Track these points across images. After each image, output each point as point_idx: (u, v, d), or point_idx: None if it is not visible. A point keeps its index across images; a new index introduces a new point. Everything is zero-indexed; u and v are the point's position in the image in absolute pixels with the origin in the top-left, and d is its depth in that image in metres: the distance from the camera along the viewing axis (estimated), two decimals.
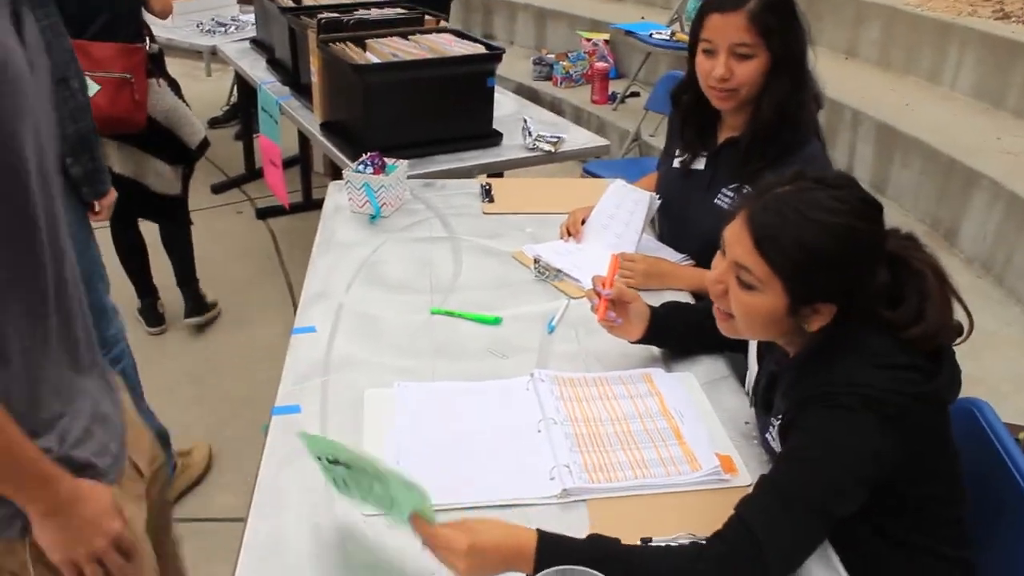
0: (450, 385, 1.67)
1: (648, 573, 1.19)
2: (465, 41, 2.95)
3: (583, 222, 2.24)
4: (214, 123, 5.74)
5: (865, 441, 1.24)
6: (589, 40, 5.96)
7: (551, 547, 1.18)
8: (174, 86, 3.29)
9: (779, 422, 1.39)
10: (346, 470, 1.27)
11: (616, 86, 5.68)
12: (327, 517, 1.36)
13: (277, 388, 1.68)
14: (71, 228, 1.25)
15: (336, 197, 2.48)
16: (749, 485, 1.43)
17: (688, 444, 1.51)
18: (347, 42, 2.88)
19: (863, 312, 1.31)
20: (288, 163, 4.76)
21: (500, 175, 2.94)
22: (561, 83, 5.89)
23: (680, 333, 1.76)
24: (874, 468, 1.26)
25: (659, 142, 4.80)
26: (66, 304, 1.19)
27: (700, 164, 2.13)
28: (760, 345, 1.59)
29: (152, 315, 3.67)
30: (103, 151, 2.44)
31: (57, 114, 2.07)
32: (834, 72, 4.78)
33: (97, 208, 2.39)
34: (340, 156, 2.81)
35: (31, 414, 1.13)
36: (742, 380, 1.73)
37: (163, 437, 2.62)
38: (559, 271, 2.05)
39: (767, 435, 1.46)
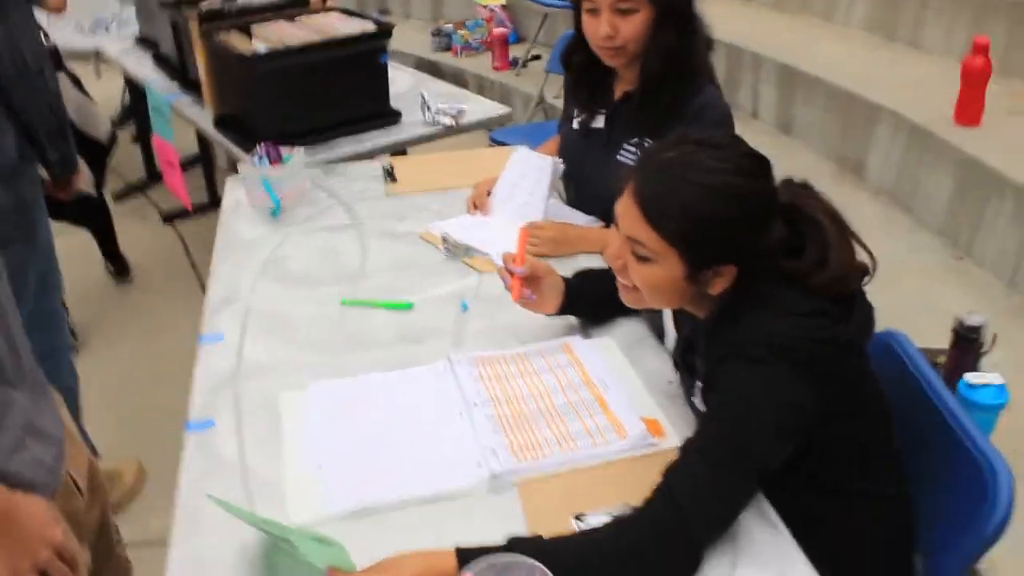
0: (365, 379, 1.61)
1: (574, 559, 1.15)
2: (353, 19, 2.87)
3: (488, 194, 2.19)
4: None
5: (779, 391, 1.23)
6: (486, 7, 5.88)
7: (471, 560, 1.13)
8: (75, 82, 3.20)
9: (703, 385, 1.38)
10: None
11: (517, 51, 5.61)
12: (251, 533, 1.29)
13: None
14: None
15: (234, 194, 2.39)
16: (678, 447, 1.41)
17: (613, 412, 1.48)
18: (231, 30, 2.78)
19: (764, 268, 1.30)
20: (190, 162, 4.61)
21: (404, 153, 2.88)
22: (461, 53, 5.81)
23: (595, 301, 1.73)
24: (793, 418, 1.25)
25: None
26: None
27: (599, 123, 2.10)
28: (674, 310, 1.58)
29: None
30: None
31: (35, 103, 2.12)
32: (732, 17, 4.78)
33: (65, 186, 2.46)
34: (237, 151, 2.72)
35: None
36: (662, 339, 1.72)
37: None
38: (468, 247, 2.01)
39: (692, 399, 1.45)
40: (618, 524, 1.20)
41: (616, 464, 1.40)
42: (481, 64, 5.67)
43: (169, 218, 4.60)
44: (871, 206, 3.67)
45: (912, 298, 3.02)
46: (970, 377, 2.16)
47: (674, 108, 1.93)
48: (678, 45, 1.90)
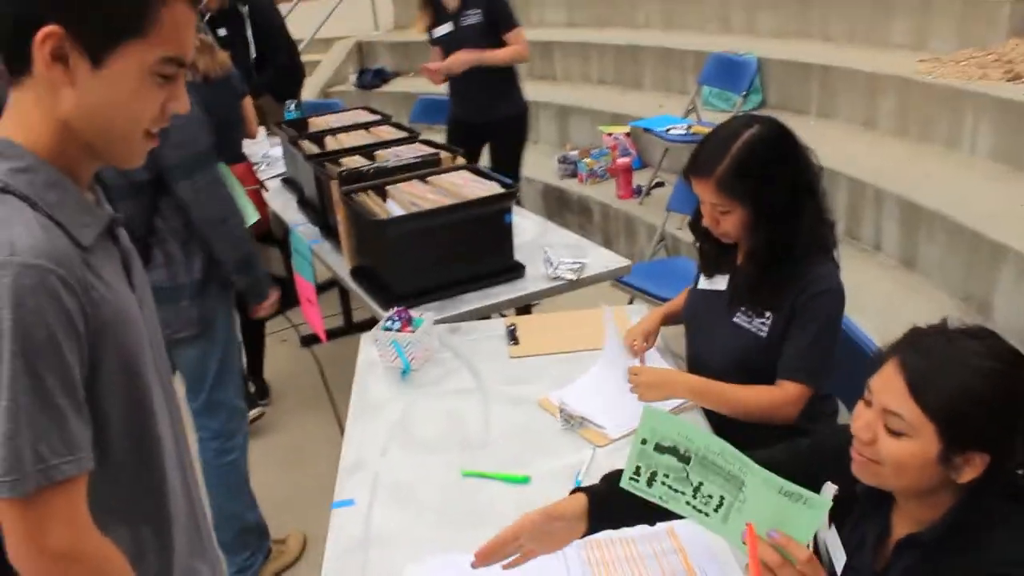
0: None
1: None
2: (480, 179, 3.06)
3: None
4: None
5: None
6: (610, 135, 6.07)
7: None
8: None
9: None
10: (679, 462, 1.33)
11: (641, 177, 5.75)
12: None
13: (326, 535, 1.83)
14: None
15: (368, 352, 2.58)
16: None
17: None
18: (368, 191, 3.01)
19: (1007, 474, 1.30)
20: (328, 285, 4.89)
21: (528, 308, 3.02)
22: (586, 180, 5.99)
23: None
24: None
25: (686, 235, 4.83)
26: (187, 502, 1.37)
27: (722, 284, 2.23)
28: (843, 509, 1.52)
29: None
30: None
31: (218, 244, 2.64)
32: (853, 145, 4.83)
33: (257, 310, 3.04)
34: (371, 303, 2.92)
35: None
36: None
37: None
38: (583, 419, 2.11)
39: None
40: None
41: None
42: (606, 191, 5.81)
43: (307, 342, 4.87)
44: None
45: None
46: None
47: (784, 285, 2.05)
48: (777, 238, 2.00)
